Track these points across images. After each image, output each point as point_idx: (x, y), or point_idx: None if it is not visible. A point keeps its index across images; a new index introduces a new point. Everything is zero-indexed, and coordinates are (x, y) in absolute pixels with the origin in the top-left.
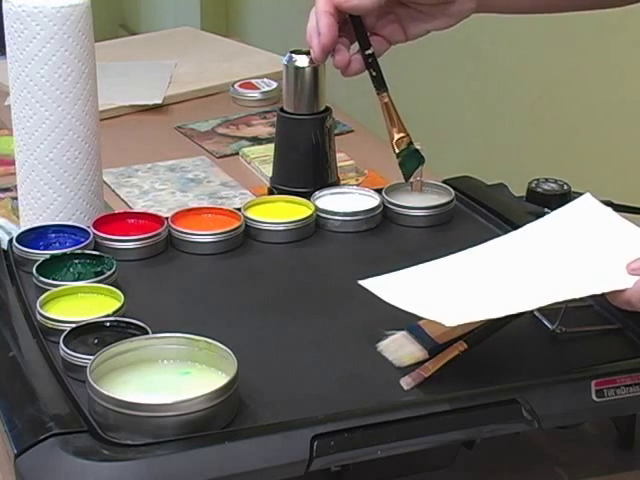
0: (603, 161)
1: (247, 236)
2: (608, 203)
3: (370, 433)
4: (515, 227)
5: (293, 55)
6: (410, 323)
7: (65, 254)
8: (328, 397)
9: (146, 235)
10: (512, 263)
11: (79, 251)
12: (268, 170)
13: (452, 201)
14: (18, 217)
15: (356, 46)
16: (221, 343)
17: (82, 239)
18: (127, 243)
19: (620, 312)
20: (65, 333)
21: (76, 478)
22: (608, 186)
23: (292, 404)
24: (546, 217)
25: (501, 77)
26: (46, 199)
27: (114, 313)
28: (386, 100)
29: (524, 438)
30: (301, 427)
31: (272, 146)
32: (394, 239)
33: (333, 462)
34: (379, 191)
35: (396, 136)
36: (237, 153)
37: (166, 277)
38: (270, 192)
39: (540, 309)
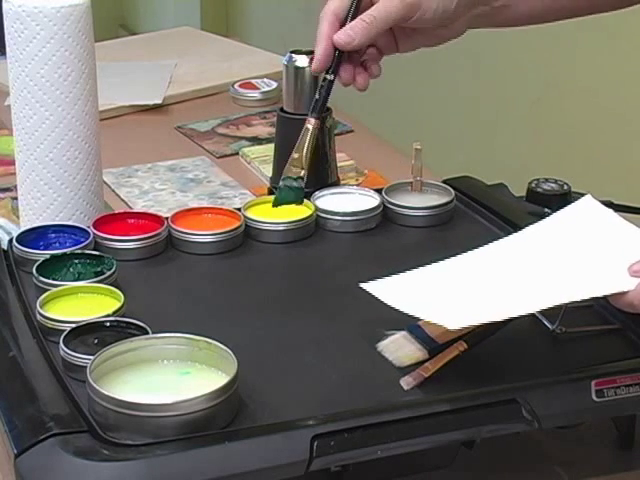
0: (603, 161)
1: (247, 236)
2: (608, 203)
3: (370, 433)
4: (515, 227)
5: (293, 55)
6: (410, 323)
7: (65, 254)
8: (328, 397)
9: (146, 235)
10: (513, 266)
11: (79, 251)
12: (268, 170)
13: (452, 201)
14: (18, 217)
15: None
16: (221, 343)
17: (82, 239)
18: (127, 243)
19: (620, 312)
20: (65, 333)
21: (76, 478)
22: (608, 186)
23: (292, 404)
24: (547, 219)
25: (501, 78)
26: (46, 199)
27: (114, 313)
28: (312, 126)
29: (524, 438)
30: (301, 427)
31: (272, 146)
32: (394, 239)
33: (333, 462)
34: (379, 191)
35: (293, 161)
36: (237, 153)
37: (166, 277)
38: (270, 192)
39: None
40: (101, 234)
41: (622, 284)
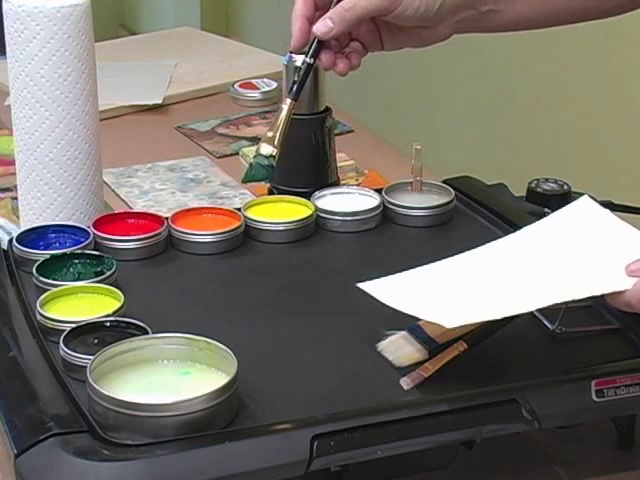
0: (603, 161)
1: (247, 236)
2: (608, 203)
3: (370, 433)
4: (515, 227)
5: (293, 55)
6: (410, 323)
7: (65, 254)
8: (328, 397)
9: (146, 235)
10: (511, 265)
11: (79, 251)
12: None
13: (452, 201)
14: (18, 217)
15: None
16: (221, 343)
17: (82, 239)
18: (127, 243)
19: (620, 312)
20: (65, 333)
21: (76, 478)
22: (608, 186)
23: (292, 404)
24: (544, 219)
25: (501, 77)
26: (46, 199)
27: (114, 313)
28: (287, 106)
29: (524, 438)
30: (301, 427)
31: None
32: (394, 239)
33: (333, 462)
34: (379, 191)
35: (267, 139)
36: (237, 153)
37: (166, 277)
38: (270, 192)
39: (540, 309)
40: (101, 234)
41: (619, 284)
